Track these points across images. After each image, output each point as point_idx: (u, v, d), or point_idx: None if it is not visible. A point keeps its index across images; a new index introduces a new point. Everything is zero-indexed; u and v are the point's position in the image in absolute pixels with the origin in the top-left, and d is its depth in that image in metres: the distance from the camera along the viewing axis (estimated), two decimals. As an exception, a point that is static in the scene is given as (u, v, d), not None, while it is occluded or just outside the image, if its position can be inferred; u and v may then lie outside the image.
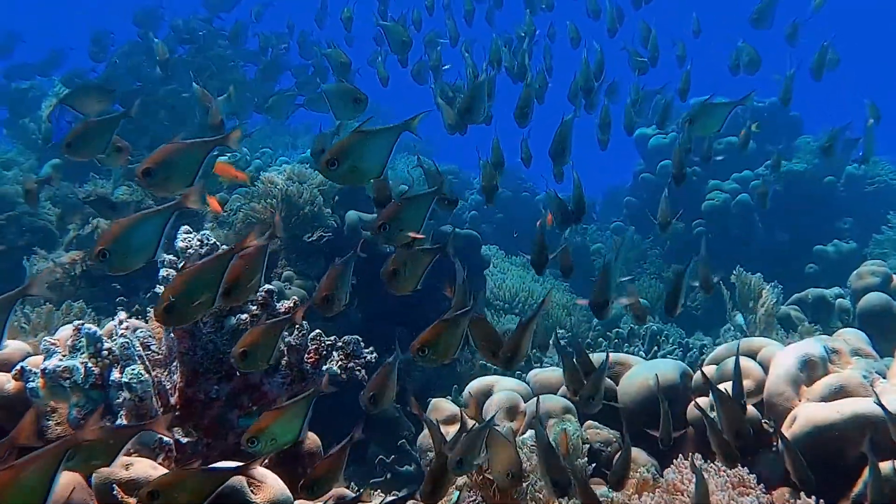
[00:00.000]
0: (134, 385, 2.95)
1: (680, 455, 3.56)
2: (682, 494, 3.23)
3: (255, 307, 3.39)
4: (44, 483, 1.82)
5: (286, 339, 3.45)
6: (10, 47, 9.83)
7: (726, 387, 3.74)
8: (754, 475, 3.32)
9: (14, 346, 3.42)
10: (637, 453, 3.86)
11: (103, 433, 2.36)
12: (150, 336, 3.37)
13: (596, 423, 4.09)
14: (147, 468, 2.64)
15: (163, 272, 3.31)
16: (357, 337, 3.63)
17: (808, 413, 3.51)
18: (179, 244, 3.38)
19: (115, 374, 2.99)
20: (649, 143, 10.41)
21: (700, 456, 3.52)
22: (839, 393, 3.60)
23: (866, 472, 3.08)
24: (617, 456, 3.69)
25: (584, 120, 5.41)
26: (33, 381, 3.06)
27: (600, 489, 3.26)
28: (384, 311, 5.80)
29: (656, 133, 10.42)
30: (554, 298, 8.75)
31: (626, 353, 5.48)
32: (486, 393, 4.46)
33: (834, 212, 9.56)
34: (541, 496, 3.25)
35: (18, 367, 3.14)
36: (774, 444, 3.56)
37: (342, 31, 7.41)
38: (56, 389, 3.01)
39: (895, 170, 9.99)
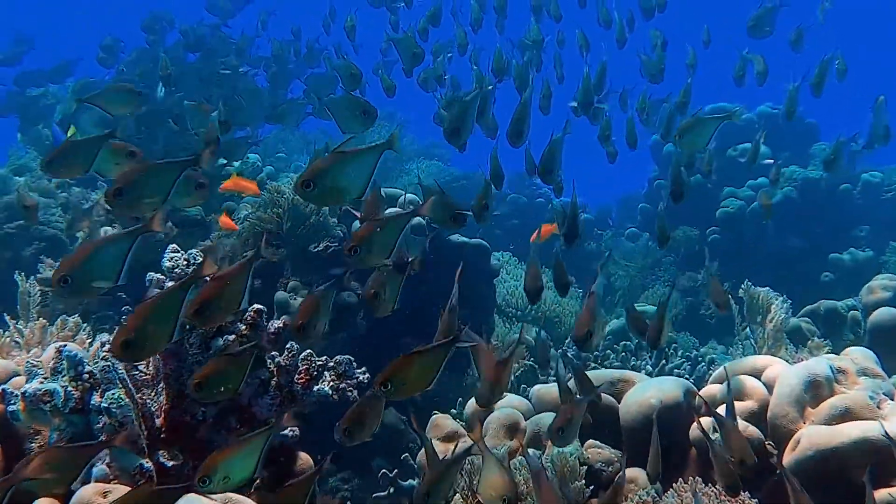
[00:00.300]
0: (113, 410, 2.88)
1: (680, 479, 3.48)
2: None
3: (244, 327, 3.32)
4: None
5: (276, 360, 3.38)
6: (20, 54, 9.81)
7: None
8: (756, 500, 3.24)
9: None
10: (637, 474, 3.76)
11: (63, 453, 2.30)
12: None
13: (598, 441, 4.00)
14: (125, 496, 2.58)
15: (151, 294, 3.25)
16: (349, 357, 3.55)
17: (812, 436, 3.41)
18: (166, 263, 3.32)
19: (96, 398, 2.93)
20: (664, 149, 10.31)
21: (700, 480, 3.45)
22: (845, 415, 3.50)
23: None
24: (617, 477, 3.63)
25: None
26: (14, 403, 3.00)
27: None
28: (390, 319, 5.72)
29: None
30: (567, 306, 8.67)
31: (633, 366, 5.41)
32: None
33: (850, 219, 9.43)
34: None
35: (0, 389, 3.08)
36: (777, 468, 3.47)
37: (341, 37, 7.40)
38: (36, 413, 2.95)
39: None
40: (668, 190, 4.19)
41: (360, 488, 5.17)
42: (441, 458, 3.04)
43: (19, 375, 3.34)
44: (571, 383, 3.77)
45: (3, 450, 3.08)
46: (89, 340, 4.27)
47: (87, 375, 2.98)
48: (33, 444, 3.10)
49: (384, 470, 4.82)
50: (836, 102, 10.78)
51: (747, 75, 5.81)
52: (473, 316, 6.39)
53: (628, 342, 5.77)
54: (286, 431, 3.34)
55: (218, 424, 3.25)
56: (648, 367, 5.37)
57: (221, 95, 7.54)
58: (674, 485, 3.45)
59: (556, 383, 4.69)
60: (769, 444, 3.66)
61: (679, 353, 5.67)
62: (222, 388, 2.59)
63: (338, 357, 3.52)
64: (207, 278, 2.53)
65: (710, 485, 3.38)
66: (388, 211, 6.19)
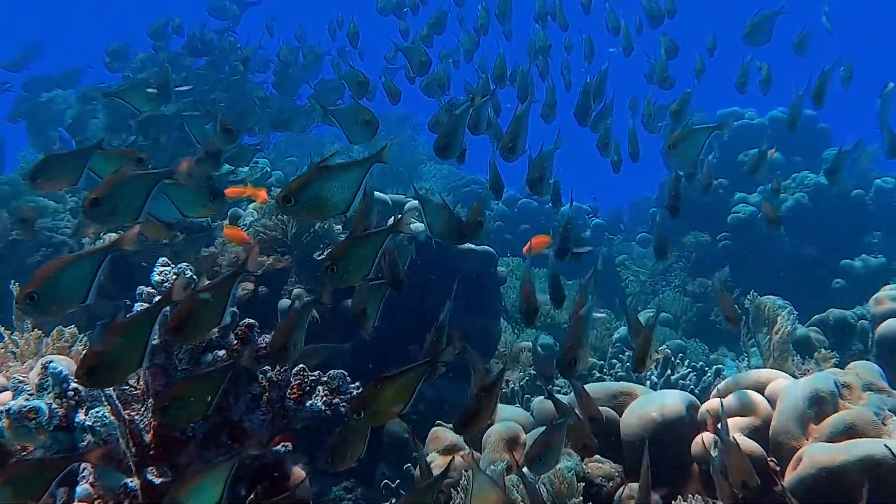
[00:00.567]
0: (97, 428, 2.84)
1: (680, 497, 3.42)
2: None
3: (235, 342, 3.28)
4: None
5: (267, 374, 3.34)
6: (27, 60, 9.80)
7: (729, 423, 3.60)
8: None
9: (-11, 380, 3.32)
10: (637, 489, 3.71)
11: (31, 466, 2.25)
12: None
13: (598, 455, 3.93)
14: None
15: (138, 308, 3.20)
16: (343, 372, 3.50)
17: (814, 454, 3.32)
18: (156, 277, 3.28)
19: (81, 416, 2.88)
20: (674, 155, 10.22)
21: (702, 497, 3.38)
22: (848, 432, 3.42)
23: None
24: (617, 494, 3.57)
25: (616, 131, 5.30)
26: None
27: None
28: (396, 327, 5.68)
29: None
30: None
31: (639, 376, 5.33)
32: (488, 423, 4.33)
33: (862, 226, 9.34)
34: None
35: (-16, 405, 3.04)
36: (779, 486, 3.40)
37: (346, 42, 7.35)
38: (21, 430, 2.90)
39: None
40: (664, 203, 4.11)
41: (364, 497, 5.13)
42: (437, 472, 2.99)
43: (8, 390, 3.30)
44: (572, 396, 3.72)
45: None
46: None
47: (72, 392, 2.93)
48: (22, 461, 3.06)
49: (386, 481, 4.78)
50: (849, 106, 10.71)
51: (750, 82, 5.71)
52: (480, 322, 6.34)
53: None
54: (279, 447, 3.30)
55: (208, 440, 3.21)
56: (654, 377, 5.30)
57: (228, 101, 7.51)
58: (673, 502, 3.38)
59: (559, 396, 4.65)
60: (772, 460, 3.58)
61: (685, 363, 5.58)
62: (190, 412, 2.53)
63: (331, 371, 3.47)
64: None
65: (711, 501, 3.32)
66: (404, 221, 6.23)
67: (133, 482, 2.85)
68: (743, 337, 5.44)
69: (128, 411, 3.11)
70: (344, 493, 5.16)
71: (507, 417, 4.29)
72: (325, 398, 3.42)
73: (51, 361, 3.00)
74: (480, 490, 2.63)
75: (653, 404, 3.95)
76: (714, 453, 3.44)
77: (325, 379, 3.44)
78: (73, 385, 2.94)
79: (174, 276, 3.26)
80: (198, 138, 4.11)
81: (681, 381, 5.20)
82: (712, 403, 3.93)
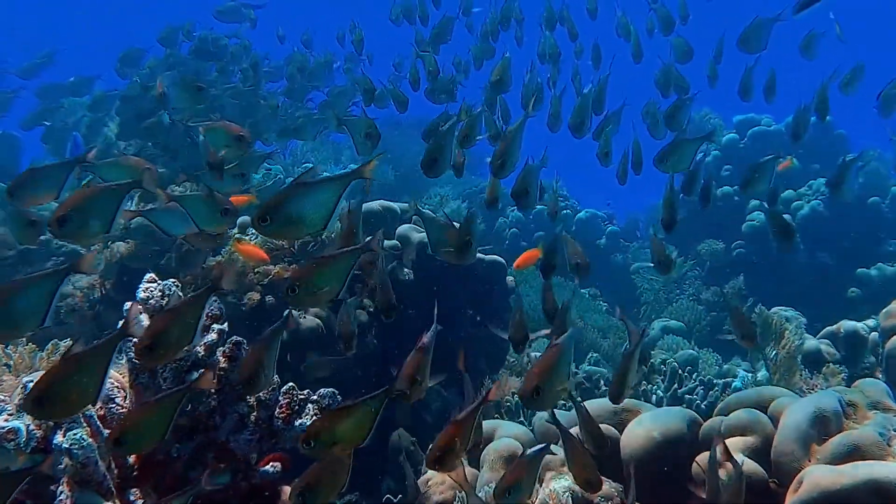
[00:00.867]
0: (75, 451, 2.77)
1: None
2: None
3: (222, 360, 3.22)
4: None
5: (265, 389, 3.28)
6: (39, 68, 9.80)
7: (730, 443, 3.53)
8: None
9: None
10: (638, 510, 3.63)
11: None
12: (115, 387, 3.20)
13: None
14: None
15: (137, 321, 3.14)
16: (333, 390, 3.42)
17: (816, 476, 3.23)
18: (141, 294, 3.22)
19: (59, 438, 2.82)
20: (690, 160, 10.14)
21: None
22: (852, 454, 3.33)
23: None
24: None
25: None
26: (-19, 440, 2.90)
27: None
28: (402, 337, 5.63)
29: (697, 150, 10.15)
30: (590, 321, 8.53)
31: (644, 391, 5.25)
32: (487, 439, 4.25)
33: (879, 234, 9.22)
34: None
35: (-35, 425, 2.99)
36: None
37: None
38: (0, 451, 2.85)
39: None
40: (660, 217, 4.01)
41: (367, 510, 5.09)
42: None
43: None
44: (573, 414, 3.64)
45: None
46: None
47: (50, 413, 2.87)
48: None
49: (388, 496, 4.73)
50: (868, 111, 10.58)
51: (755, 89, 5.60)
52: (488, 332, 6.28)
53: (641, 366, 5.60)
54: (268, 467, 3.24)
55: (194, 461, 3.15)
56: (659, 392, 5.21)
57: (239, 109, 7.47)
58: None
59: (559, 412, 4.57)
60: (773, 481, 3.50)
61: (694, 376, 5.49)
62: (145, 441, 2.46)
63: (321, 390, 3.41)
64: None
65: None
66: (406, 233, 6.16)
67: (110, 507, 2.79)
68: (750, 351, 5.35)
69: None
70: (348, 505, 5.11)
71: (506, 434, 4.23)
72: (315, 417, 3.36)
73: (31, 381, 2.95)
74: None
75: (653, 423, 3.87)
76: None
77: (314, 398, 3.37)
78: (51, 406, 2.88)
79: (159, 294, 3.21)
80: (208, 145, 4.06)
81: (687, 396, 5.11)
82: (713, 422, 3.85)
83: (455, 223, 3.55)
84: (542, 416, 4.41)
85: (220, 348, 3.26)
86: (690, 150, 3.98)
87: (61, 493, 2.72)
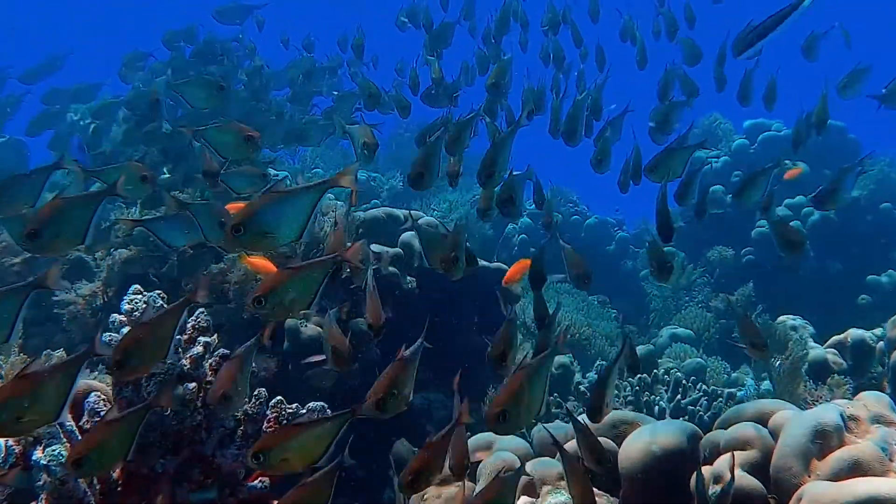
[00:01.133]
0: (53, 468, 2.73)
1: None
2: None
3: (209, 373, 3.17)
4: None
5: (243, 407, 3.22)
6: (42, 74, 9.76)
7: (728, 459, 3.46)
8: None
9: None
10: (635, 526, 3.56)
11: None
12: (101, 401, 3.15)
13: (595, 489, 3.78)
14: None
15: (106, 337, 3.09)
16: (323, 404, 3.37)
17: (814, 493, 3.15)
18: (126, 306, 3.18)
19: (38, 454, 2.78)
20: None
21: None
22: (853, 469, 3.24)
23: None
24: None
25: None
26: (-40, 456, 2.86)
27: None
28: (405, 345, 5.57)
29: (708, 157, 10.09)
30: (598, 328, 8.47)
31: (647, 401, 5.18)
32: (485, 451, 4.19)
33: (890, 240, 9.12)
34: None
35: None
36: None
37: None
38: (-21, 468, 2.81)
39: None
40: (655, 226, 3.92)
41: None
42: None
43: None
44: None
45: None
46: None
47: (29, 429, 2.83)
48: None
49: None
50: (882, 115, 10.47)
51: (755, 95, 5.52)
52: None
53: (645, 376, 5.53)
54: (255, 482, 3.19)
55: (179, 476, 3.10)
56: (662, 403, 5.14)
57: (242, 115, 7.42)
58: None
59: (558, 424, 4.50)
60: (772, 497, 3.42)
61: (698, 386, 5.41)
62: (106, 463, 2.40)
63: (311, 404, 3.35)
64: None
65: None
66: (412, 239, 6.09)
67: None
68: (753, 362, 5.28)
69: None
70: (349, 513, 5.06)
71: (504, 448, 4.16)
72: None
73: None
74: None
75: (652, 436, 3.79)
76: (715, 488, 3.31)
77: (303, 412, 3.32)
78: (31, 421, 2.83)
79: (144, 305, 3.16)
80: (216, 149, 4.01)
81: (690, 407, 5.04)
82: (714, 436, 3.78)
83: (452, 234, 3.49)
84: (539, 428, 4.34)
85: (208, 361, 3.21)
86: (682, 158, 3.90)
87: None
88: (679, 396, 5.21)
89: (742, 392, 5.50)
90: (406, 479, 2.45)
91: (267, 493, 3.23)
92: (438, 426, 5.67)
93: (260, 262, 5.33)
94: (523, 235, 11.09)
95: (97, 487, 2.92)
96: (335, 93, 8.04)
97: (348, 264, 3.78)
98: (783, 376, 4.69)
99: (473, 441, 4.31)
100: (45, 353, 4.31)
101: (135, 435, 2.42)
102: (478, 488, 3.94)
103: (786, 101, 5.85)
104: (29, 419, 2.12)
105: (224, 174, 4.09)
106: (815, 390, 4.68)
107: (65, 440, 2.81)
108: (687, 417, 4.93)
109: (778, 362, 4.88)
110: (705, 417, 4.91)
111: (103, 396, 3.16)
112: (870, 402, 3.67)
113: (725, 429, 3.81)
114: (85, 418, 3.04)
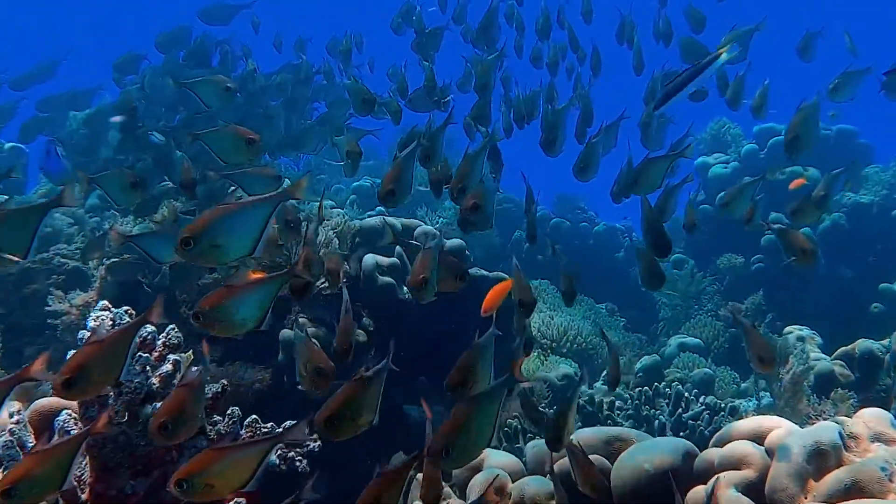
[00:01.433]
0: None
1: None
2: None
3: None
4: None
5: (217, 427, 3.13)
6: (34, 80, 9.67)
7: (724, 476, 3.34)
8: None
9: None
10: (627, 548, 3.45)
11: None
12: (71, 419, 3.06)
13: (587, 509, 3.67)
14: None
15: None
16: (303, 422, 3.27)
17: (810, 516, 3.04)
18: (91, 323, 3.08)
19: (-3, 478, 2.68)
20: (709, 173, 9.94)
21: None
22: (850, 491, 3.11)
23: None
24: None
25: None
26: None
27: None
28: (404, 358, 5.46)
29: (717, 162, 9.96)
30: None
31: (647, 415, 5.07)
32: (475, 469, 4.07)
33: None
34: None
35: None
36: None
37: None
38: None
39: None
40: (647, 240, 3.75)
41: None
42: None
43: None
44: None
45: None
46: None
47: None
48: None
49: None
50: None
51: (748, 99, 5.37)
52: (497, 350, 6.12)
53: (647, 388, 5.41)
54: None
55: (150, 498, 3.00)
56: (661, 417, 5.01)
57: (236, 120, 7.33)
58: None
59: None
60: (767, 519, 3.30)
61: (701, 399, 5.29)
62: (40, 491, 2.29)
63: (287, 423, 3.25)
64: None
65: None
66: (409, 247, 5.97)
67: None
68: (755, 374, 5.15)
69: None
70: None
71: (494, 464, 4.04)
72: (280, 452, 3.21)
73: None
74: None
75: (646, 454, 3.68)
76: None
77: (279, 431, 3.21)
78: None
79: (110, 323, 3.06)
80: (217, 154, 3.91)
81: (691, 422, 4.92)
82: (709, 454, 3.66)
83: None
84: (534, 444, 4.23)
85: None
86: (661, 168, 3.78)
87: None
88: (680, 410, 5.08)
89: (750, 404, 5.37)
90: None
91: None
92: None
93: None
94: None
95: (61, 511, 2.83)
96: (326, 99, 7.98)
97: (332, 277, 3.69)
98: (784, 391, 4.55)
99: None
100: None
101: (70, 465, 2.32)
102: (468, 506, 3.85)
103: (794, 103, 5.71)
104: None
105: (237, 176, 3.99)
106: (819, 405, 4.55)
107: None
108: (688, 432, 4.81)
109: (780, 376, 4.74)
110: (706, 432, 4.79)
111: (74, 415, 3.07)
112: (870, 419, 3.55)
113: (721, 446, 3.69)
114: (56, 438, 2.95)
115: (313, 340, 3.06)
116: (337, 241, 5.84)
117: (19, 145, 9.18)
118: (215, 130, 3.92)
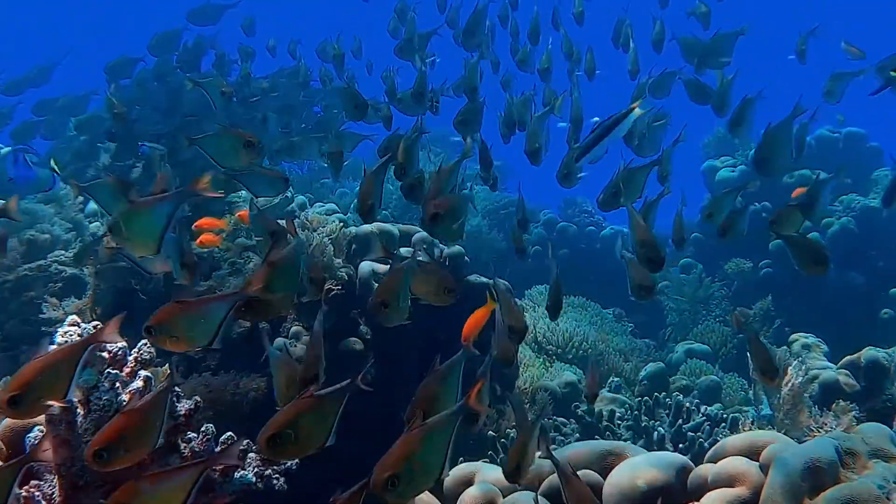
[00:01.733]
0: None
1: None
2: None
3: (151, 409, 2.98)
4: None
5: (190, 444, 3.03)
6: (27, 85, 9.61)
7: (717, 494, 3.25)
8: None
9: None
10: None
11: None
12: (40, 438, 2.98)
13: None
14: None
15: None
16: (282, 439, 3.17)
17: (804, 537, 2.94)
18: (59, 339, 2.99)
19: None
20: (717, 177, 9.82)
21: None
22: (846, 509, 3.02)
23: None
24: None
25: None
26: None
27: None
28: (402, 368, 5.39)
29: (725, 165, 9.84)
30: (612, 344, 8.25)
31: (645, 426, 4.96)
32: (466, 483, 3.98)
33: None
34: None
35: None
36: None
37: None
38: None
39: None
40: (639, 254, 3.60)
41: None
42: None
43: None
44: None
45: None
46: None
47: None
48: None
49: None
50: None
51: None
52: (496, 362, 6.03)
53: (647, 398, 5.30)
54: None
55: (120, 519, 2.91)
56: (661, 429, 4.90)
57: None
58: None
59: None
60: (760, 539, 3.19)
61: (701, 410, 5.18)
62: None
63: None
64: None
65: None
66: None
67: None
68: (754, 386, 5.04)
69: (28, 488, 2.83)
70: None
71: (486, 479, 3.95)
72: (257, 469, 3.12)
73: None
74: None
75: (639, 470, 3.58)
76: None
77: (255, 448, 3.12)
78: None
79: (78, 338, 2.98)
80: (214, 158, 3.82)
81: (690, 434, 4.81)
82: (703, 470, 3.56)
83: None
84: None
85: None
86: (640, 178, 3.68)
87: None
88: (681, 421, 4.97)
89: (749, 415, 5.25)
90: None
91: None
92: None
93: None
94: (537, 247, 10.90)
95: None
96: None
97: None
98: (783, 403, 4.44)
99: (456, 472, 4.11)
100: (2, 380, 4.16)
101: (7, 495, 2.24)
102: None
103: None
104: None
105: (243, 177, 3.90)
106: (821, 416, 4.43)
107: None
108: (687, 444, 4.70)
109: (779, 387, 4.62)
110: (706, 444, 4.68)
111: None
112: (868, 435, 3.44)
113: (716, 461, 3.59)
114: None
115: (290, 356, 2.97)
116: (332, 248, 5.74)
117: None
118: (213, 134, 3.84)
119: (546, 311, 3.94)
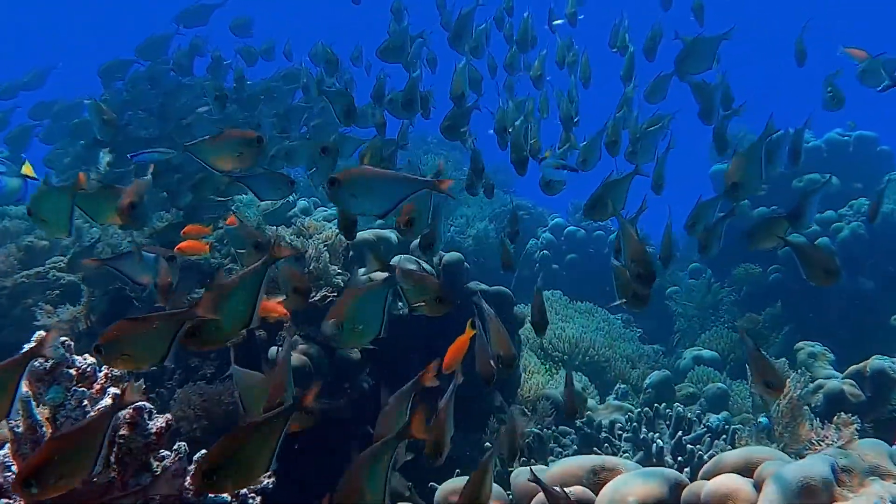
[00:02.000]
0: None
1: None
2: None
3: (123, 429, 2.90)
4: None
5: (163, 462, 2.95)
6: (20, 88, 9.58)
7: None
8: None
9: None
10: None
11: None
12: (9, 456, 2.90)
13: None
14: None
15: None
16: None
17: (796, 559, 2.83)
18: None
19: None
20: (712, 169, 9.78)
21: None
22: (840, 530, 2.92)
23: None
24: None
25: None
26: None
27: None
28: (398, 376, 5.30)
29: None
30: (618, 350, 8.16)
31: (644, 437, 4.86)
32: (457, 495, 3.89)
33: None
34: None
35: None
36: None
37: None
38: None
39: None
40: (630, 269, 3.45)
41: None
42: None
43: None
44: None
45: None
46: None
47: None
48: None
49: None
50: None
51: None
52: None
53: (647, 409, 5.20)
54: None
55: (89, 539, 2.83)
56: (660, 441, 4.79)
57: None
58: None
59: (541, 468, 4.17)
60: (753, 560, 3.09)
61: (702, 421, 5.07)
62: None
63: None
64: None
65: None
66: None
67: None
68: (753, 397, 4.93)
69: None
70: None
71: (478, 496, 3.86)
72: (231, 489, 3.03)
73: None
74: None
75: (631, 486, 3.48)
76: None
77: (146, 483, 3.03)
78: None
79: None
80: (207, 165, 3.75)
81: (689, 446, 4.69)
82: (694, 488, 3.45)
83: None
84: (516, 474, 4.03)
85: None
86: (622, 189, 3.58)
87: None
88: (681, 433, 4.87)
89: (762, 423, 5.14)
90: None
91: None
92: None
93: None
94: (545, 252, 10.84)
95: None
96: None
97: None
98: (782, 416, 4.32)
99: (449, 484, 4.02)
100: None
101: None
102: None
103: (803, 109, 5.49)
104: None
105: (247, 178, 3.83)
106: (822, 429, 4.31)
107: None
108: (686, 457, 4.59)
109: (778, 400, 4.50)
110: (705, 458, 4.56)
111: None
112: (866, 451, 3.35)
113: (710, 478, 3.48)
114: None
115: (251, 372, 2.88)
116: (328, 255, 5.67)
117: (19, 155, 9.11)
118: (212, 136, 3.77)
119: (537, 325, 3.84)
